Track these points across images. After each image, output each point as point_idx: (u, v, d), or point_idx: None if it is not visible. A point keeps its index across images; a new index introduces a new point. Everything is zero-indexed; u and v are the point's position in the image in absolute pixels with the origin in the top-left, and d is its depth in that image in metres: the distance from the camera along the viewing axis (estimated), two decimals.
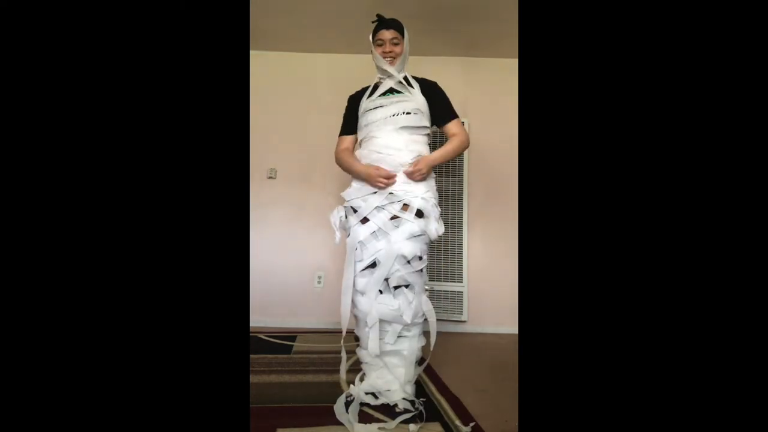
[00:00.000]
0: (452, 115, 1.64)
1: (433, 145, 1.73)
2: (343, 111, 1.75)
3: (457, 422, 1.39)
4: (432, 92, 1.63)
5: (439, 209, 1.59)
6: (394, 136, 1.55)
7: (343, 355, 1.66)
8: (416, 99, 1.59)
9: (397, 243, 1.48)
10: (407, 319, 1.49)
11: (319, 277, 2.92)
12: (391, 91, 1.62)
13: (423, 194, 1.53)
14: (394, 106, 1.57)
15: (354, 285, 1.55)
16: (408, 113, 1.56)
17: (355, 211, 1.57)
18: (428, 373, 1.91)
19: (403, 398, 1.50)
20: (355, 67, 2.76)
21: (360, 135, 1.66)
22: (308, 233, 2.94)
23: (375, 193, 1.54)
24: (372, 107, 1.61)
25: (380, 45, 1.59)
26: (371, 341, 1.52)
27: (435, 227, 1.53)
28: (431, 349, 1.63)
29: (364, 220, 1.55)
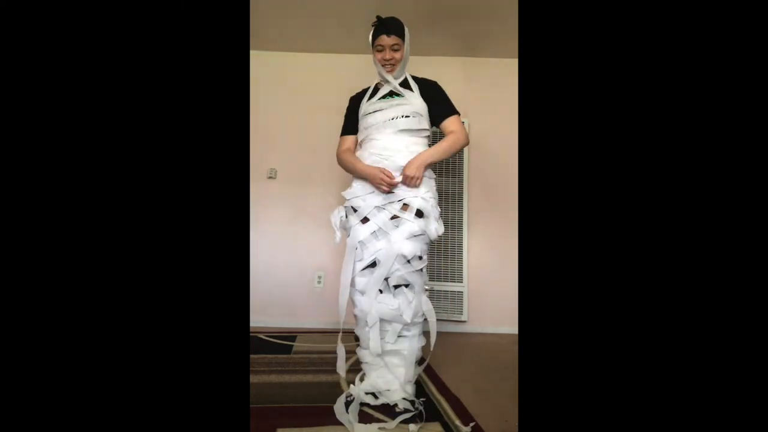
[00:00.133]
0: (450, 111, 1.62)
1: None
2: (344, 111, 1.75)
3: (457, 422, 1.39)
4: (432, 92, 1.62)
5: (439, 209, 1.59)
6: (394, 138, 1.55)
7: (340, 353, 1.66)
8: (415, 102, 1.58)
9: (397, 243, 1.49)
10: (407, 318, 1.49)
11: (319, 277, 2.92)
12: (390, 94, 1.62)
13: (423, 194, 1.53)
14: (393, 109, 1.57)
15: (354, 284, 1.56)
16: (407, 116, 1.56)
17: (355, 210, 1.57)
18: (428, 373, 1.91)
19: (403, 398, 1.50)
20: (355, 67, 2.76)
21: (360, 137, 1.66)
22: (308, 233, 2.94)
23: (373, 192, 1.54)
24: (371, 110, 1.61)
25: (380, 51, 1.56)
26: (372, 341, 1.52)
27: (435, 227, 1.54)
28: (431, 349, 1.63)
29: (365, 220, 1.55)
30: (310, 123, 3.00)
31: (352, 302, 1.59)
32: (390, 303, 1.51)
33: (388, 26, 1.55)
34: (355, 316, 1.60)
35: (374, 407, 1.48)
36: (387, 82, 1.61)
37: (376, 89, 1.67)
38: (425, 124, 1.60)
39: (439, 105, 1.61)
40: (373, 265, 1.54)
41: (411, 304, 1.51)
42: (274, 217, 2.94)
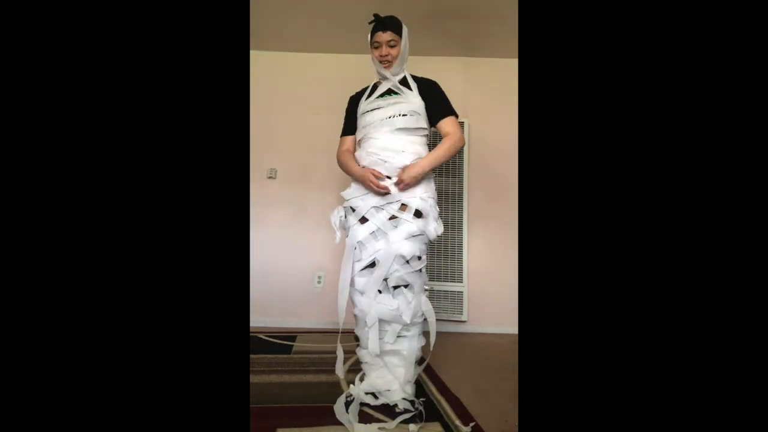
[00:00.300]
0: (447, 112, 1.60)
1: (432, 146, 1.73)
2: (344, 111, 1.75)
3: (457, 422, 1.39)
4: (430, 91, 1.61)
5: (438, 209, 1.59)
6: (392, 137, 1.55)
7: (339, 353, 1.66)
8: (413, 101, 1.58)
9: (396, 243, 1.49)
10: (406, 319, 1.49)
11: (319, 277, 2.92)
12: (389, 92, 1.62)
13: (421, 194, 1.53)
14: (390, 108, 1.57)
15: (353, 285, 1.56)
16: (404, 115, 1.55)
17: (354, 210, 1.57)
18: (428, 373, 1.91)
19: (403, 398, 1.50)
20: (355, 67, 2.76)
21: (358, 136, 1.66)
22: (308, 233, 2.94)
23: (370, 192, 1.54)
24: (369, 109, 1.61)
25: (377, 47, 1.57)
26: (371, 341, 1.52)
27: (434, 227, 1.54)
28: (431, 349, 1.63)
29: (363, 220, 1.55)
30: (310, 123, 3.00)
31: (351, 302, 1.59)
32: (389, 303, 1.51)
33: (384, 23, 1.56)
34: (355, 316, 1.60)
35: (374, 407, 1.48)
36: (385, 79, 1.61)
37: (374, 88, 1.66)
38: (423, 123, 1.59)
39: (437, 104, 1.60)
40: (372, 265, 1.54)
41: (410, 304, 1.51)
42: (274, 217, 2.94)
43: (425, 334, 1.62)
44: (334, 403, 1.47)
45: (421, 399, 1.53)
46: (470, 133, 3.00)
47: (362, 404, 1.48)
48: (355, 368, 1.77)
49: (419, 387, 1.70)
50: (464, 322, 2.84)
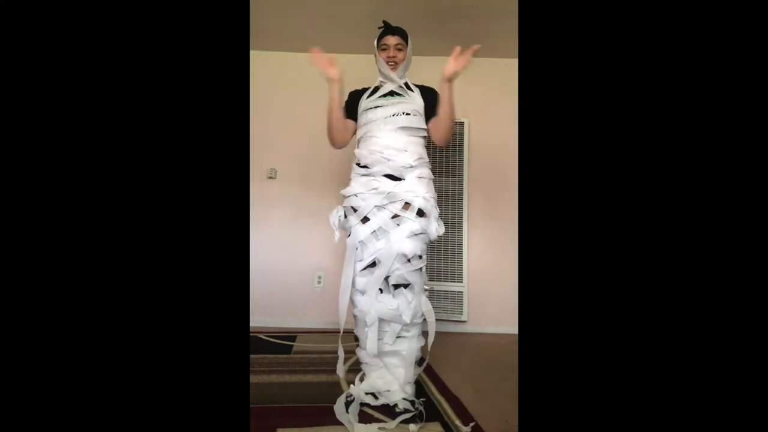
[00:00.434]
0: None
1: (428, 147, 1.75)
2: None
3: (457, 422, 1.39)
4: (430, 96, 1.67)
5: (438, 210, 1.60)
6: (394, 136, 1.56)
7: (340, 353, 1.66)
8: (416, 101, 1.62)
9: (398, 242, 1.49)
10: (406, 318, 1.50)
11: (319, 277, 2.92)
12: (391, 93, 1.65)
13: (424, 194, 1.54)
14: (393, 106, 1.60)
15: (354, 284, 1.55)
16: (407, 114, 1.59)
17: (355, 210, 1.57)
18: (428, 373, 1.91)
19: (403, 398, 1.50)
20: (355, 67, 2.75)
21: (359, 133, 1.66)
22: (308, 233, 2.93)
23: (375, 189, 1.53)
24: (371, 106, 1.63)
25: (384, 50, 1.64)
26: (369, 341, 1.52)
27: (435, 227, 1.55)
28: (429, 349, 1.63)
29: (365, 220, 1.55)
30: (310, 123, 2.99)
31: (351, 302, 1.59)
32: (389, 303, 1.51)
33: (393, 28, 1.66)
34: (355, 316, 1.60)
35: (374, 407, 1.48)
36: (389, 80, 1.64)
37: (375, 90, 1.68)
38: (423, 124, 1.63)
39: (433, 108, 1.65)
40: (373, 264, 1.54)
41: (410, 304, 1.51)
42: (274, 217, 2.94)
43: (425, 334, 1.62)
44: (334, 403, 1.47)
45: (421, 399, 1.53)
46: (470, 133, 3.00)
47: (362, 404, 1.48)
48: (355, 368, 1.77)
49: (419, 387, 1.70)
50: (464, 322, 2.84)
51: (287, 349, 2.26)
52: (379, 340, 1.54)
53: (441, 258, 2.89)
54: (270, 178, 2.98)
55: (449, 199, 2.92)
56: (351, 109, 1.71)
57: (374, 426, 1.34)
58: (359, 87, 1.77)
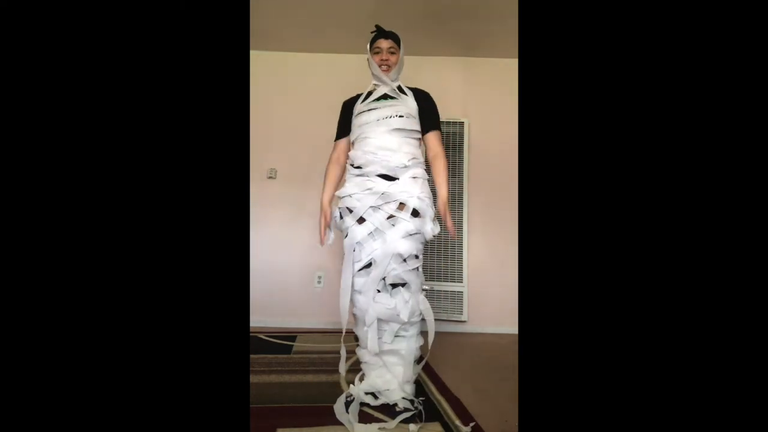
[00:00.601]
0: (435, 126, 1.67)
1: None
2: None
3: (457, 422, 1.39)
4: (424, 100, 1.67)
5: (434, 209, 1.61)
6: (388, 137, 1.57)
7: (343, 353, 1.67)
8: (409, 104, 1.63)
9: (394, 242, 1.50)
10: (404, 317, 1.50)
11: (319, 277, 2.92)
12: (385, 96, 1.65)
13: (419, 194, 1.54)
14: (387, 109, 1.61)
15: (353, 284, 1.56)
16: (401, 116, 1.60)
17: (350, 211, 1.58)
18: (428, 372, 1.91)
19: (403, 398, 1.50)
20: (355, 67, 2.76)
21: (353, 136, 1.67)
22: (308, 233, 2.94)
23: (369, 190, 1.54)
24: (366, 109, 1.64)
25: (377, 53, 1.65)
26: (369, 340, 1.53)
27: (431, 227, 1.56)
28: (429, 347, 1.63)
29: (361, 220, 1.55)
30: (310, 123, 3.00)
31: (351, 302, 1.59)
32: (387, 303, 1.52)
33: (385, 32, 1.67)
34: (354, 315, 1.61)
35: (374, 407, 1.48)
36: (382, 83, 1.66)
37: (369, 94, 1.69)
38: (417, 126, 1.64)
39: (428, 114, 1.66)
40: (370, 265, 1.54)
41: (407, 303, 1.52)
42: (274, 217, 2.94)
43: (424, 333, 1.62)
44: (334, 403, 1.47)
45: (421, 398, 1.53)
46: (470, 133, 3.00)
47: (362, 404, 1.48)
48: (355, 368, 1.77)
49: (419, 386, 1.70)
50: (464, 322, 2.85)
51: (287, 349, 2.26)
52: (378, 338, 1.54)
53: (441, 258, 2.89)
54: (270, 178, 2.98)
55: (449, 199, 2.92)
56: (345, 120, 1.73)
57: (374, 426, 1.34)
58: (359, 87, 1.77)
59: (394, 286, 1.53)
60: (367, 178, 1.55)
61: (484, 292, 2.88)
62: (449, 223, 1.54)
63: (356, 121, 1.65)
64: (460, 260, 2.87)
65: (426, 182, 1.62)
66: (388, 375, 1.54)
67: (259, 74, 2.98)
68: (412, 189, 1.54)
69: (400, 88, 1.67)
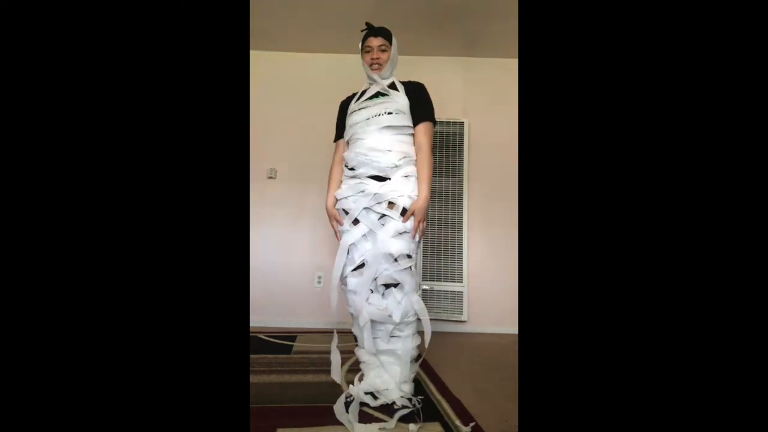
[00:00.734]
0: (426, 116, 1.61)
1: None
2: None
3: (457, 422, 1.39)
4: (416, 92, 1.63)
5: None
6: (378, 136, 1.56)
7: (334, 359, 1.66)
8: (399, 100, 1.60)
9: (384, 242, 1.49)
10: (396, 318, 1.49)
11: (319, 277, 2.92)
12: (377, 95, 1.65)
13: (410, 193, 1.53)
14: (377, 107, 1.60)
15: (347, 285, 1.57)
16: (390, 113, 1.57)
17: (346, 213, 1.59)
18: (428, 372, 1.91)
19: (401, 396, 1.50)
20: (355, 67, 2.75)
21: (346, 136, 1.68)
22: (308, 233, 2.94)
23: (362, 192, 1.54)
24: (357, 109, 1.64)
25: (368, 52, 1.64)
26: (365, 340, 1.54)
27: (422, 225, 1.54)
28: (426, 346, 1.62)
29: (356, 222, 1.57)
30: (310, 123, 3.00)
31: (347, 301, 1.61)
32: (379, 304, 1.52)
33: (375, 30, 1.65)
34: (351, 314, 1.61)
35: (374, 407, 1.48)
36: (374, 82, 1.64)
37: (363, 93, 1.69)
38: (408, 121, 1.60)
39: (420, 105, 1.61)
40: (363, 265, 1.55)
41: (400, 304, 1.51)
42: (274, 217, 2.94)
43: (421, 333, 1.62)
44: (334, 403, 1.47)
45: (420, 397, 1.53)
46: (470, 133, 3.00)
47: (362, 404, 1.48)
48: (355, 368, 1.77)
49: (419, 386, 1.70)
50: (464, 322, 2.84)
51: (287, 349, 2.26)
52: (375, 338, 1.55)
53: (441, 258, 2.89)
54: (270, 178, 2.98)
55: (449, 199, 2.92)
56: (341, 121, 1.73)
57: (374, 426, 1.34)
58: (359, 87, 1.77)
59: (387, 286, 1.53)
60: (360, 180, 1.57)
61: (484, 292, 2.88)
62: (415, 227, 1.50)
63: (348, 121, 1.66)
64: (460, 260, 2.87)
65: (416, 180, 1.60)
66: (386, 375, 1.55)
67: (259, 74, 2.98)
68: (402, 188, 1.53)
69: (394, 85, 1.65)
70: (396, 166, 1.54)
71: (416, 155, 1.58)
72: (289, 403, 1.52)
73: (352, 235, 1.55)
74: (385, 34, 1.64)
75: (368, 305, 1.53)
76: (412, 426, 1.34)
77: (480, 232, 2.94)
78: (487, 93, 3.05)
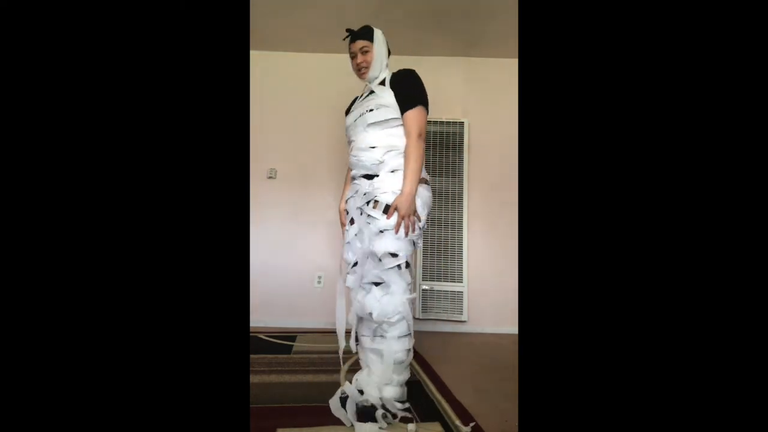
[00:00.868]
0: (412, 103, 1.51)
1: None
2: (344, 111, 1.79)
3: (457, 422, 1.39)
4: (397, 81, 1.56)
5: (422, 202, 1.52)
6: (365, 135, 1.55)
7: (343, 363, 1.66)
8: (384, 95, 1.54)
9: (369, 241, 1.49)
10: (374, 316, 1.46)
11: (319, 277, 2.92)
12: (371, 94, 1.64)
13: (394, 188, 1.48)
14: (361, 107, 1.59)
15: (346, 282, 1.59)
16: (371, 110, 1.53)
17: (347, 213, 1.63)
18: (428, 372, 1.91)
19: (379, 398, 1.45)
20: None
21: (347, 139, 1.71)
22: (308, 233, 2.94)
23: (357, 192, 1.57)
24: (350, 111, 1.66)
25: (353, 57, 1.64)
26: (351, 338, 1.57)
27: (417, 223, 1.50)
28: (407, 349, 1.52)
29: (353, 222, 1.59)
30: (310, 123, 3.00)
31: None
32: (361, 300, 1.52)
33: (354, 34, 1.63)
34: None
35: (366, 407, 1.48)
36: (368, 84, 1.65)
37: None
38: (393, 113, 1.52)
39: (403, 94, 1.53)
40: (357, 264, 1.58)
41: (379, 302, 1.47)
42: (274, 217, 2.94)
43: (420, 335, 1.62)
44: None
45: (406, 403, 1.49)
46: (470, 133, 3.00)
47: (359, 403, 1.48)
48: (355, 368, 1.77)
49: (419, 387, 1.70)
50: (464, 322, 2.84)
51: (287, 349, 2.26)
52: (364, 336, 1.55)
53: (441, 258, 2.89)
54: (270, 178, 2.98)
55: (449, 199, 2.92)
56: None
57: (375, 426, 1.34)
58: (359, 87, 1.78)
59: (377, 284, 1.52)
60: (355, 180, 1.60)
61: (484, 292, 2.88)
62: (398, 222, 1.43)
63: (345, 124, 1.68)
64: (460, 260, 2.87)
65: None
66: (365, 374, 1.53)
67: (259, 74, 2.98)
68: (386, 184, 1.48)
69: (385, 81, 1.60)
70: (381, 162, 1.50)
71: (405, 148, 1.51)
72: (289, 403, 1.52)
73: (347, 234, 1.59)
74: (364, 35, 1.60)
75: (355, 303, 1.54)
76: (410, 426, 1.34)
77: (480, 232, 2.94)
78: (487, 93, 3.05)
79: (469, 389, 1.73)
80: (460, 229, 2.90)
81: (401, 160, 1.50)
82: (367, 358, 1.54)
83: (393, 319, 1.47)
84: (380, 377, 1.49)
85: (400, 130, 1.53)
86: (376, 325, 1.51)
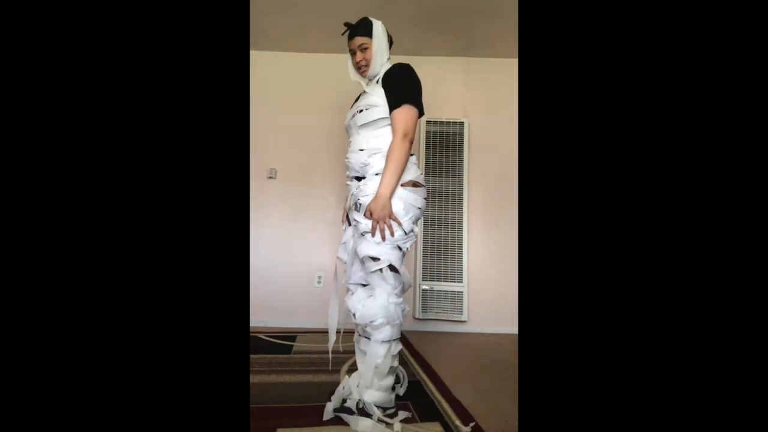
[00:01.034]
0: (398, 101, 1.43)
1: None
2: (344, 111, 1.78)
3: (457, 422, 1.39)
4: (387, 79, 1.48)
5: (412, 202, 1.45)
6: (358, 137, 1.51)
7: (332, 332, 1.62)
8: (376, 93, 1.48)
9: (355, 242, 1.49)
10: (357, 318, 1.46)
11: (319, 277, 2.92)
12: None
13: (374, 191, 1.43)
14: (356, 107, 1.54)
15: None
16: (360, 111, 1.48)
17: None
18: (428, 372, 1.91)
19: (358, 400, 1.44)
20: None
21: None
22: (308, 233, 2.94)
23: (350, 194, 1.57)
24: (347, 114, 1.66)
25: (353, 55, 1.57)
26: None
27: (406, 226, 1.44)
28: (391, 354, 1.48)
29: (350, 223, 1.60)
30: (310, 123, 3.00)
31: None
32: (346, 301, 1.53)
33: (352, 31, 1.55)
34: None
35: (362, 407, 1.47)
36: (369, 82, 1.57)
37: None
38: (380, 113, 1.46)
39: (390, 92, 1.45)
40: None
41: (362, 304, 1.46)
42: (274, 217, 2.94)
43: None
44: None
45: (392, 409, 1.45)
46: (470, 133, 3.00)
47: (358, 403, 1.48)
48: (355, 368, 1.77)
49: (418, 387, 1.70)
50: (464, 322, 2.85)
51: (287, 349, 2.26)
52: (358, 336, 1.56)
53: (441, 258, 2.89)
54: (270, 178, 2.98)
55: (449, 199, 2.92)
56: None
57: (373, 423, 1.34)
58: (358, 88, 1.77)
59: (364, 286, 1.53)
60: (347, 182, 1.60)
61: (484, 292, 2.88)
62: (372, 226, 1.38)
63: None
64: (460, 260, 2.87)
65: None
66: (355, 375, 1.53)
67: (259, 74, 2.98)
68: (368, 187, 1.44)
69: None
70: (366, 165, 1.46)
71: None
72: (289, 403, 1.52)
73: (344, 234, 1.60)
74: (362, 30, 1.52)
75: (344, 302, 1.56)
76: (396, 426, 1.33)
77: (480, 232, 2.94)
78: (487, 93, 3.05)
79: (468, 389, 1.73)
80: (460, 229, 2.90)
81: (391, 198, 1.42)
82: (357, 359, 1.54)
83: (376, 323, 1.43)
84: (362, 379, 1.47)
85: (389, 131, 1.47)
86: (360, 327, 1.51)
